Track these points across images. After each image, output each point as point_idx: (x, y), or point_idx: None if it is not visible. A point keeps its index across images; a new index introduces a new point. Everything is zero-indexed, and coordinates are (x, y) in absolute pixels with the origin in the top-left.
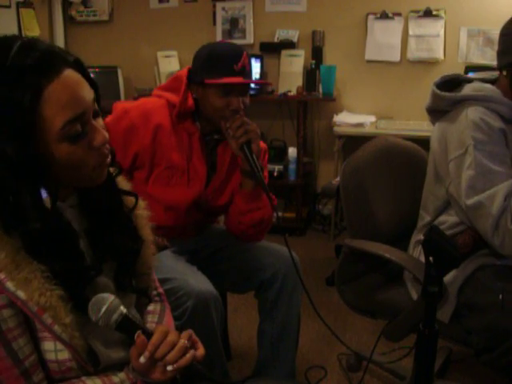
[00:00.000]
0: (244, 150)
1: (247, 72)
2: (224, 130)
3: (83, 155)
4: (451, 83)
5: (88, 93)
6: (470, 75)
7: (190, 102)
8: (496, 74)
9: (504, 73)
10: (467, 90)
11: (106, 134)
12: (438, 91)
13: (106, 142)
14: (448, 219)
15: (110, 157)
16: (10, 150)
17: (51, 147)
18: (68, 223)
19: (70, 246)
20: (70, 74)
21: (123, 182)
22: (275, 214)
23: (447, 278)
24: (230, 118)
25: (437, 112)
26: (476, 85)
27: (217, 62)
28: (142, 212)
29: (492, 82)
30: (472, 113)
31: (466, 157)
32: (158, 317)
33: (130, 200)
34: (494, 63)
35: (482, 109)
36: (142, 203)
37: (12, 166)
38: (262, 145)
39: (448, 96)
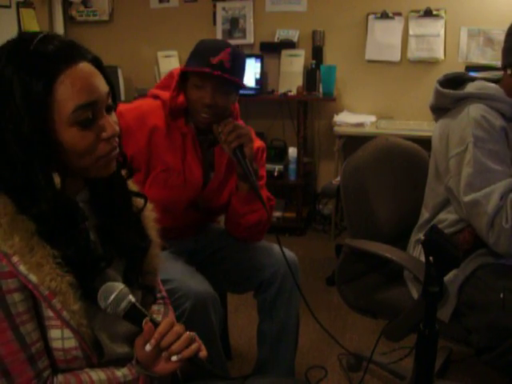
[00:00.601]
0: (237, 154)
1: (227, 69)
2: (216, 134)
3: (91, 143)
4: (454, 82)
5: (103, 85)
6: (473, 74)
7: (181, 98)
8: (499, 74)
9: (508, 71)
10: (470, 88)
11: (117, 128)
12: (441, 88)
13: (116, 136)
14: (448, 217)
15: (117, 150)
16: (25, 126)
17: (61, 129)
18: (76, 204)
19: (80, 229)
20: (87, 65)
21: (131, 184)
22: (273, 215)
23: (447, 277)
24: (222, 123)
25: (440, 110)
26: (479, 83)
27: (196, 54)
28: (150, 214)
29: (495, 81)
30: (474, 110)
31: (466, 154)
32: (161, 317)
33: (139, 201)
34: (495, 63)
35: (483, 106)
36: (149, 205)
37: (26, 143)
38: (260, 143)
39: (451, 93)
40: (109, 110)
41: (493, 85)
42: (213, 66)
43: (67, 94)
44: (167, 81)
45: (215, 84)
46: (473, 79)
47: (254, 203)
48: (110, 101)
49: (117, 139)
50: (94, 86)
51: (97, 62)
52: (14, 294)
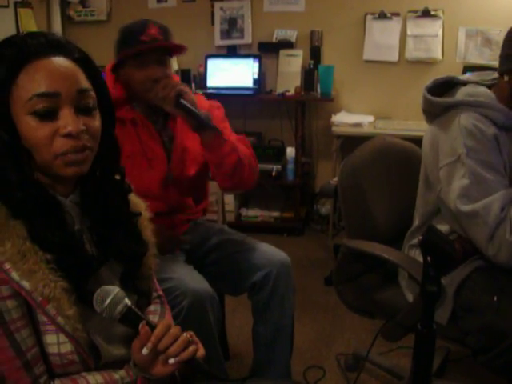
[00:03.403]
0: (179, 103)
1: (160, 40)
2: (154, 99)
3: (46, 136)
4: (445, 85)
5: (76, 82)
6: (466, 76)
7: (119, 89)
8: (494, 74)
9: (505, 78)
10: (460, 94)
11: (80, 127)
12: (429, 96)
13: (75, 135)
14: (439, 227)
15: (85, 152)
16: None
17: (20, 117)
18: (56, 199)
19: (71, 230)
20: (64, 60)
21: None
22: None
23: (444, 280)
24: (154, 89)
25: (431, 113)
26: (470, 89)
27: (125, 38)
28: (144, 213)
29: (488, 85)
30: (465, 119)
31: (459, 165)
32: (158, 317)
33: (136, 207)
34: (492, 63)
35: (475, 114)
36: (143, 205)
37: None
38: (214, 102)
39: (439, 101)
40: (83, 110)
41: (484, 90)
42: (147, 42)
43: (28, 81)
44: None
45: (156, 57)
46: (464, 83)
47: (225, 146)
48: (86, 101)
49: (81, 143)
50: (59, 78)
51: (82, 62)
52: (8, 300)
